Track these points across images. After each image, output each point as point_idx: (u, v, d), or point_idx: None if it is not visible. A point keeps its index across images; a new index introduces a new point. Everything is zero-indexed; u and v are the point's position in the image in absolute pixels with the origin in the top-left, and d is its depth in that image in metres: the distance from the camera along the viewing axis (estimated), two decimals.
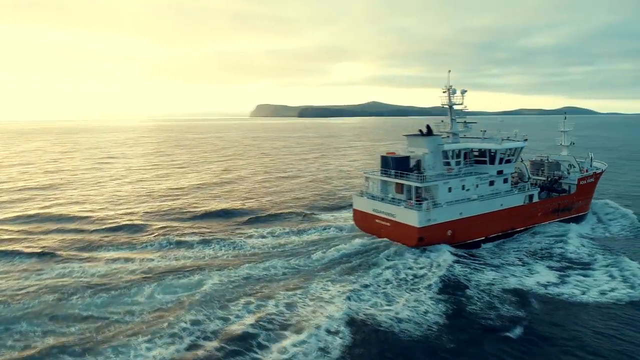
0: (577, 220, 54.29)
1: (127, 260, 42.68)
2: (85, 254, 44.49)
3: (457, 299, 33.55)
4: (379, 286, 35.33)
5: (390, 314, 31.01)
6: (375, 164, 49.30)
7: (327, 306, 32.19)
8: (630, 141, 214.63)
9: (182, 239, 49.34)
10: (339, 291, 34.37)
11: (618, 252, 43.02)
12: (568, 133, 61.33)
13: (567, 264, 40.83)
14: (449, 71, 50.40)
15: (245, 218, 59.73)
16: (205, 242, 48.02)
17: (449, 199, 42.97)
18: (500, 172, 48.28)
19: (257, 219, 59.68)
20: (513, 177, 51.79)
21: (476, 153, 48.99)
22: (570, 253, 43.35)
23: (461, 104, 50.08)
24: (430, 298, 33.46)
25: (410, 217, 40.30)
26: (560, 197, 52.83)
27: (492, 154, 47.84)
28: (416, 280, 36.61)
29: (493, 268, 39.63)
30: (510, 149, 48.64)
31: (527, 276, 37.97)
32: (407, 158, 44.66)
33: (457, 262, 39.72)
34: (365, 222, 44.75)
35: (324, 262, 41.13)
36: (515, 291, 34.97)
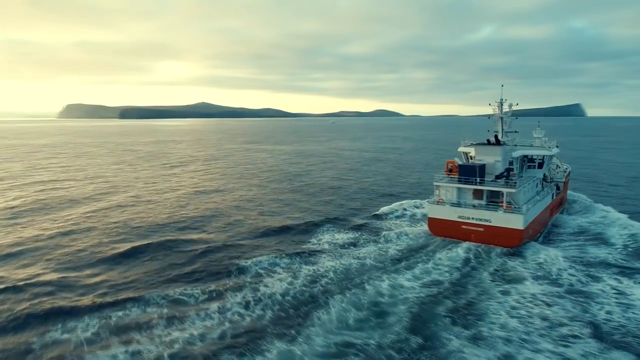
0: (562, 212, 57.71)
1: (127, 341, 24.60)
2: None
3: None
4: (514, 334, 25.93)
5: None
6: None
7: None
8: (427, 137, 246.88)
9: (167, 293, 31.96)
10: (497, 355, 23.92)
11: None
12: (541, 138, 62.32)
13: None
14: (502, 85, 53.65)
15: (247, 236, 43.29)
16: (208, 291, 31.20)
17: (524, 202, 43.81)
18: (544, 176, 52.35)
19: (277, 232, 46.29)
20: None
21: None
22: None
23: (510, 114, 53.40)
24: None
25: (513, 221, 40.72)
26: (558, 193, 55.60)
27: (541, 160, 51.80)
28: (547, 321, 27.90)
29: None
30: (552, 155, 52.91)
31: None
32: (484, 166, 45.43)
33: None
34: (446, 229, 44.08)
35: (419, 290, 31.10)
36: None
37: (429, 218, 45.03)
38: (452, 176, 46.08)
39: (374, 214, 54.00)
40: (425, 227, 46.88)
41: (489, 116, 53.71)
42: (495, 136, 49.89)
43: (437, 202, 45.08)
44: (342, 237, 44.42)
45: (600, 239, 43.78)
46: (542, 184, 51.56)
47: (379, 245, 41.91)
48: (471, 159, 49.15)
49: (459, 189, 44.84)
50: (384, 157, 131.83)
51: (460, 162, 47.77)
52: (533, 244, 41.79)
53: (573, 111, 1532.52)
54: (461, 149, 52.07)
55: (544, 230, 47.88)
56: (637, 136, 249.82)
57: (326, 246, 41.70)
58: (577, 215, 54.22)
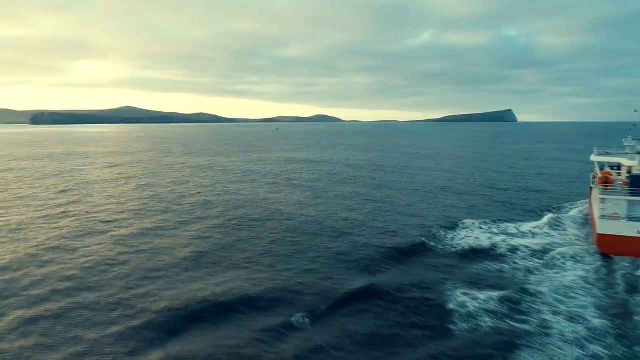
0: None
1: None
2: None
3: None
4: None
5: None
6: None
7: None
8: (395, 147, 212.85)
9: None
10: None
11: None
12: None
13: None
14: None
15: None
16: None
17: None
18: None
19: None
20: None
21: None
22: None
23: None
24: None
25: None
26: None
27: None
28: None
29: None
30: None
31: None
32: None
33: None
34: (623, 247, 41.18)
35: None
36: None
37: (599, 235, 42.12)
38: (610, 188, 43.30)
39: (465, 244, 42.66)
40: (558, 250, 41.31)
41: (635, 123, 52.68)
42: None
43: (610, 216, 42.10)
44: (485, 293, 30.23)
45: None
46: None
47: (545, 301, 29.66)
48: (621, 169, 48.99)
49: (629, 201, 42.34)
50: (376, 172, 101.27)
51: (609, 172, 47.92)
52: None
53: (505, 117, 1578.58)
54: (597, 158, 50.60)
55: None
56: (591, 140, 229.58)
57: (487, 323, 26.30)
58: None
